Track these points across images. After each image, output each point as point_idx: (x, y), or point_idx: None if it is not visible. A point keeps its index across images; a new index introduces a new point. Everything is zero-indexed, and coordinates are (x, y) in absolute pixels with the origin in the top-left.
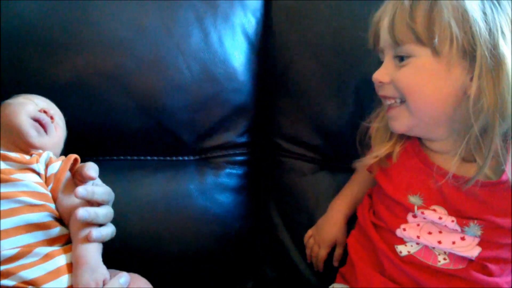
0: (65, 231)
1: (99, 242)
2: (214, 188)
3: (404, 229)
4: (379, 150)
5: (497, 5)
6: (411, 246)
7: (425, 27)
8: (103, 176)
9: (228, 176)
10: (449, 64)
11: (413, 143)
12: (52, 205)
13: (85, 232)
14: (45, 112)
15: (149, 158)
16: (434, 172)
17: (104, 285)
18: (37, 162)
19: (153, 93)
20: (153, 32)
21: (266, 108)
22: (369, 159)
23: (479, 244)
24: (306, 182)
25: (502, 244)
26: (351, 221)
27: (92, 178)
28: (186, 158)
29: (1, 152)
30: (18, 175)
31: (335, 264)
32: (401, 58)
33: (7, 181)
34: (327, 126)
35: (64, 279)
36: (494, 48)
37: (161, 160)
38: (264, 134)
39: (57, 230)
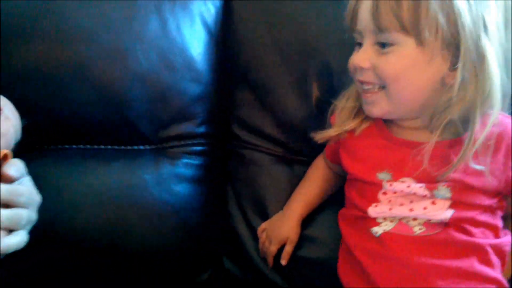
0: None
1: None
2: (170, 179)
3: (376, 205)
4: (345, 126)
5: None
6: (386, 225)
7: (412, 16)
8: (56, 165)
9: (186, 166)
10: (432, 54)
11: (378, 123)
12: None
13: None
14: None
15: (103, 147)
16: (400, 145)
17: None
18: None
19: (112, 83)
20: (113, 20)
21: (225, 99)
22: (330, 132)
23: (451, 206)
24: (264, 174)
25: (475, 205)
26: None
27: (9, 178)
28: (141, 147)
29: None
30: None
31: (282, 262)
32: (383, 45)
33: None
34: (287, 118)
35: None
36: (478, 41)
37: (116, 149)
38: (223, 125)
39: None
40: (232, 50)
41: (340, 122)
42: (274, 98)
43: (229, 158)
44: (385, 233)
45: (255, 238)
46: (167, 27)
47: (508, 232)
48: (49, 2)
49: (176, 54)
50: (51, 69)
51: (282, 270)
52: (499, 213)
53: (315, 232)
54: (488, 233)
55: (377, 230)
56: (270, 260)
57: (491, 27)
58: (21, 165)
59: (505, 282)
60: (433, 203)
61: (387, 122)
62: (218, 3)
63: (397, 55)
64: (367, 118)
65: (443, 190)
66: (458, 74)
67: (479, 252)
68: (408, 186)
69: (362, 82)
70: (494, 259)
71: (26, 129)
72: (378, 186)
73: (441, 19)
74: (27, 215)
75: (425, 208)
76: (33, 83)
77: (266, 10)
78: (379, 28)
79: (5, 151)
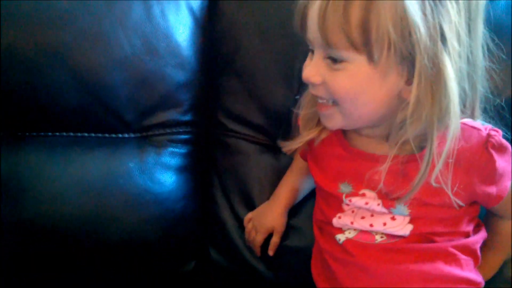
0: None
1: None
2: (155, 167)
3: (340, 217)
4: (305, 136)
5: (437, 1)
6: (349, 233)
7: (360, 32)
8: (37, 153)
9: (171, 155)
10: (386, 70)
11: (336, 131)
12: None
13: None
14: None
15: (86, 134)
16: (357, 156)
17: None
18: None
19: (93, 68)
20: (93, 4)
21: (211, 86)
22: (294, 144)
23: (411, 221)
24: (250, 163)
25: (436, 219)
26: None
27: None
28: (126, 135)
29: None
30: None
31: (270, 252)
32: (334, 59)
33: None
34: (273, 107)
35: None
36: (434, 56)
37: (99, 137)
38: (209, 113)
39: None
40: (217, 37)
41: (302, 130)
42: (260, 86)
43: (214, 146)
44: (348, 240)
45: (241, 227)
46: (151, 12)
47: (481, 228)
48: None
49: (160, 40)
50: (28, 52)
51: (268, 259)
52: (467, 218)
53: (300, 222)
54: (453, 237)
55: (340, 237)
56: (257, 249)
57: (450, 37)
58: None
59: (479, 278)
60: (393, 218)
61: (345, 130)
62: None
63: (348, 72)
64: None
65: (401, 208)
66: (413, 91)
67: (444, 254)
68: (366, 203)
69: (315, 96)
70: (463, 258)
71: (6, 113)
72: (339, 199)
73: (393, 35)
74: None
75: (384, 224)
76: (10, 67)
77: None
78: (327, 44)
79: None
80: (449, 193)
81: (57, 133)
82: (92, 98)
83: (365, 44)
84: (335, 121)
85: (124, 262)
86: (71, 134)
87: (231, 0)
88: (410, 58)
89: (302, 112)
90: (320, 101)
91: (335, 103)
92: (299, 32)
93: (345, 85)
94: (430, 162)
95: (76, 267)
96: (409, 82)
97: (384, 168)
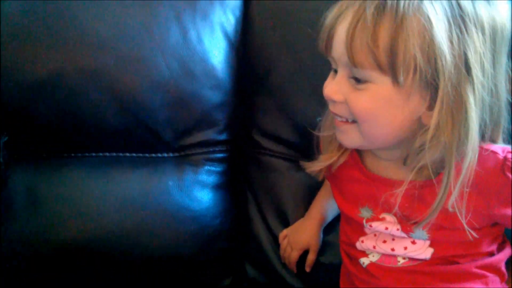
0: None
1: None
2: (193, 185)
3: (362, 241)
4: (325, 159)
5: (464, 30)
6: (373, 256)
7: (388, 54)
8: (80, 172)
9: (208, 173)
10: (409, 93)
11: (353, 154)
12: None
13: None
14: None
15: (127, 154)
16: (374, 181)
17: None
18: None
19: (133, 91)
20: (133, 30)
21: (245, 106)
22: (315, 166)
23: (431, 245)
24: (284, 180)
25: (456, 242)
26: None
27: None
28: (165, 155)
29: None
30: None
31: (307, 269)
32: (358, 79)
33: None
34: (306, 125)
35: None
36: (458, 84)
37: (140, 156)
38: (243, 132)
39: None
40: (250, 58)
41: (322, 153)
42: (292, 104)
43: (249, 164)
44: (371, 264)
45: (276, 244)
46: (188, 37)
47: (506, 245)
48: (72, 12)
49: (196, 63)
50: (73, 77)
51: (303, 275)
52: (489, 238)
53: (335, 238)
54: (477, 258)
55: (364, 261)
56: (293, 266)
57: (475, 66)
58: None
59: None
60: (413, 242)
61: (362, 153)
62: (237, 13)
63: (372, 93)
64: (346, 150)
65: (420, 233)
66: (434, 117)
67: (468, 275)
68: (386, 228)
69: (335, 114)
70: (489, 275)
71: (52, 136)
72: (360, 223)
73: (420, 60)
74: None
75: (405, 248)
76: (55, 90)
77: (282, 18)
78: (353, 64)
79: None
80: (462, 221)
81: (100, 153)
82: (132, 119)
83: (391, 66)
84: (351, 138)
85: (162, 277)
86: (113, 154)
87: (263, 22)
88: (434, 84)
89: (323, 134)
90: (339, 119)
91: (354, 121)
92: (323, 50)
93: (367, 105)
94: (447, 189)
95: (115, 281)
96: (430, 107)
97: (400, 191)
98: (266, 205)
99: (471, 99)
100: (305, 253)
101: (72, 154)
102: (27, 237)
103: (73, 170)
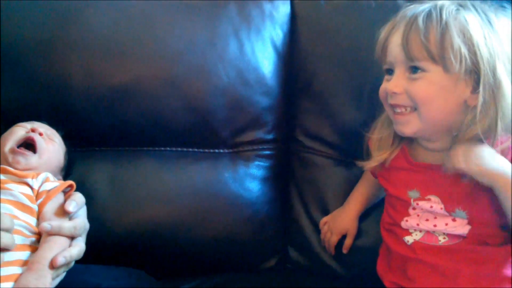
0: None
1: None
2: (245, 177)
3: (407, 220)
4: (380, 156)
5: (491, 29)
6: (416, 234)
7: (439, 48)
8: (152, 164)
9: (257, 167)
10: (457, 79)
11: (402, 149)
12: (33, 219)
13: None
14: (33, 130)
15: (191, 149)
16: (421, 168)
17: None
18: (33, 177)
19: (198, 95)
20: (199, 43)
21: (291, 110)
22: (371, 163)
23: (468, 223)
24: (324, 175)
25: (491, 223)
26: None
27: (68, 212)
28: (222, 150)
29: (2, 166)
30: (11, 185)
31: (344, 251)
32: (413, 70)
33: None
34: (345, 126)
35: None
36: (494, 68)
37: (201, 151)
38: (289, 132)
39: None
40: (296, 66)
41: (375, 151)
42: (333, 108)
43: (293, 160)
44: (415, 242)
45: (316, 230)
46: (244, 49)
47: None
48: (152, 28)
49: (250, 72)
50: (150, 84)
51: (341, 258)
52: None
53: (370, 225)
54: (508, 241)
55: (408, 239)
56: (332, 249)
57: (503, 55)
58: (80, 200)
59: None
60: (454, 220)
61: (410, 146)
62: (285, 28)
63: (427, 80)
64: (398, 144)
65: (460, 213)
66: (480, 96)
67: (501, 257)
68: (431, 207)
69: (395, 106)
70: None
71: (129, 133)
72: (408, 203)
73: (464, 51)
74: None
75: (446, 225)
76: (136, 93)
77: (325, 33)
78: (410, 58)
79: (70, 182)
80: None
81: (168, 148)
82: (198, 118)
83: (441, 57)
84: (411, 125)
85: (219, 257)
86: (179, 149)
87: (308, 36)
88: (475, 70)
89: (375, 135)
90: (398, 110)
91: (413, 109)
92: (380, 57)
93: (426, 90)
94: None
95: (181, 256)
96: (473, 90)
97: (445, 175)
98: (308, 196)
99: (505, 78)
100: (343, 237)
101: (145, 148)
102: (107, 218)
103: (147, 162)
